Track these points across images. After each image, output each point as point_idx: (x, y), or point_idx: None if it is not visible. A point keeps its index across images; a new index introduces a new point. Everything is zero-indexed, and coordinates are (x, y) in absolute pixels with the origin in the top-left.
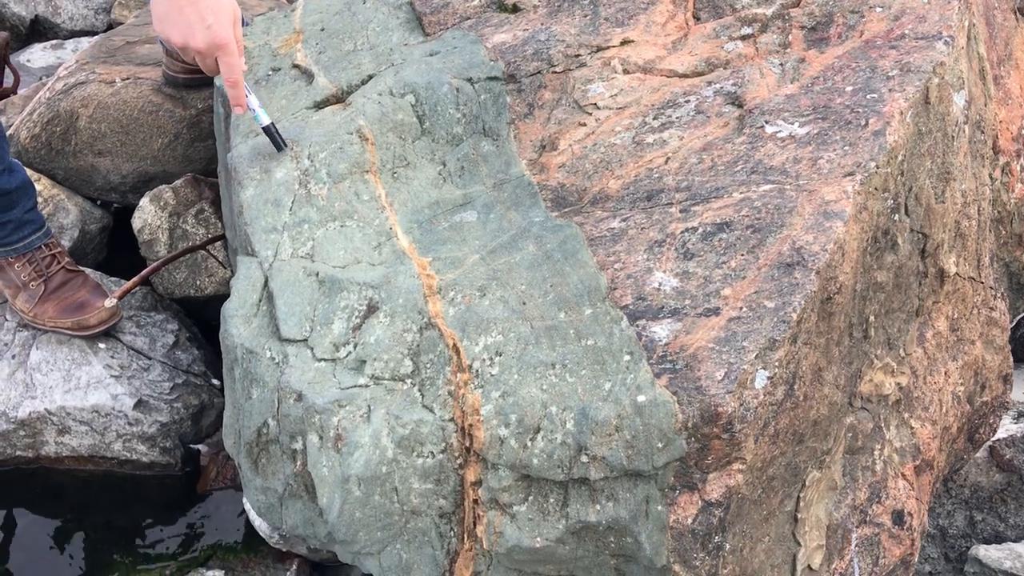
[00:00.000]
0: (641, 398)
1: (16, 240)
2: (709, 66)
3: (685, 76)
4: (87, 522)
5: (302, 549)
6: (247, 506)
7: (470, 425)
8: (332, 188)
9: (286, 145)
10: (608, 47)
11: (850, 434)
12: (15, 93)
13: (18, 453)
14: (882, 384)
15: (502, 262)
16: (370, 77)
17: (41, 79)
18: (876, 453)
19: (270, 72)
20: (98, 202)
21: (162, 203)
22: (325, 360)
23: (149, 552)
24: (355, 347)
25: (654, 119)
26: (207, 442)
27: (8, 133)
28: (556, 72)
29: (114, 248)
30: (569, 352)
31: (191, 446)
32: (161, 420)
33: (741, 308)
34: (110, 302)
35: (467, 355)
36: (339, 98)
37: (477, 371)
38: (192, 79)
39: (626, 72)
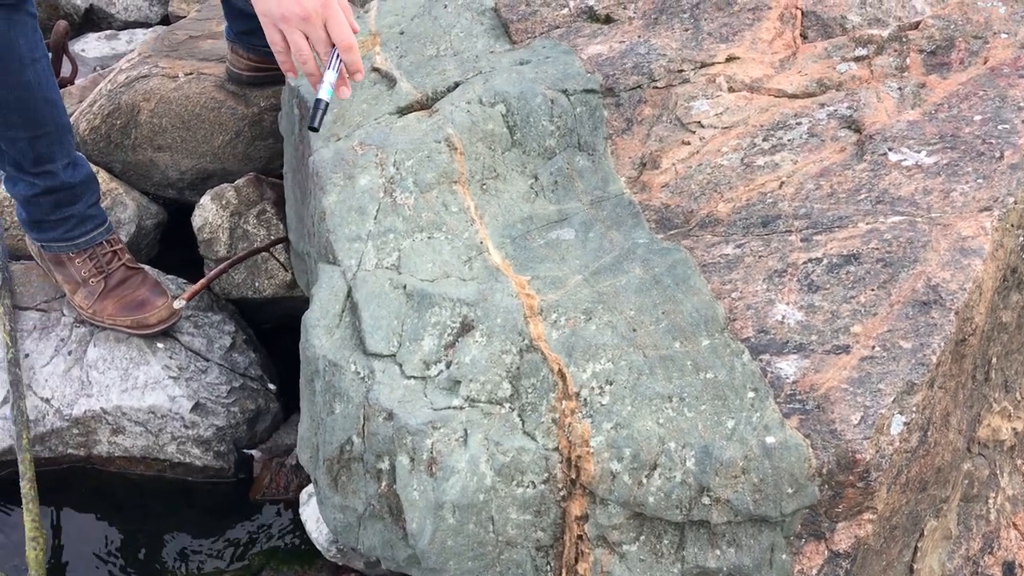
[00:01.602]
0: (770, 439)
1: (78, 235)
2: (821, 87)
3: (795, 97)
4: (136, 525)
5: (359, 564)
6: (303, 516)
7: (578, 456)
8: (419, 198)
9: (317, 129)
10: (713, 63)
11: (966, 481)
12: (72, 83)
13: (69, 451)
14: (999, 429)
15: (607, 284)
16: (456, 84)
17: (95, 69)
18: (990, 501)
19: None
20: (153, 197)
21: (224, 202)
22: (415, 378)
23: (200, 559)
24: (448, 366)
25: (764, 140)
26: (261, 448)
27: None
28: (657, 87)
29: (166, 245)
30: (687, 385)
31: (245, 451)
32: (217, 424)
33: (874, 347)
34: (179, 303)
35: (574, 382)
36: (424, 104)
37: (585, 399)
38: (256, 77)
39: (732, 90)
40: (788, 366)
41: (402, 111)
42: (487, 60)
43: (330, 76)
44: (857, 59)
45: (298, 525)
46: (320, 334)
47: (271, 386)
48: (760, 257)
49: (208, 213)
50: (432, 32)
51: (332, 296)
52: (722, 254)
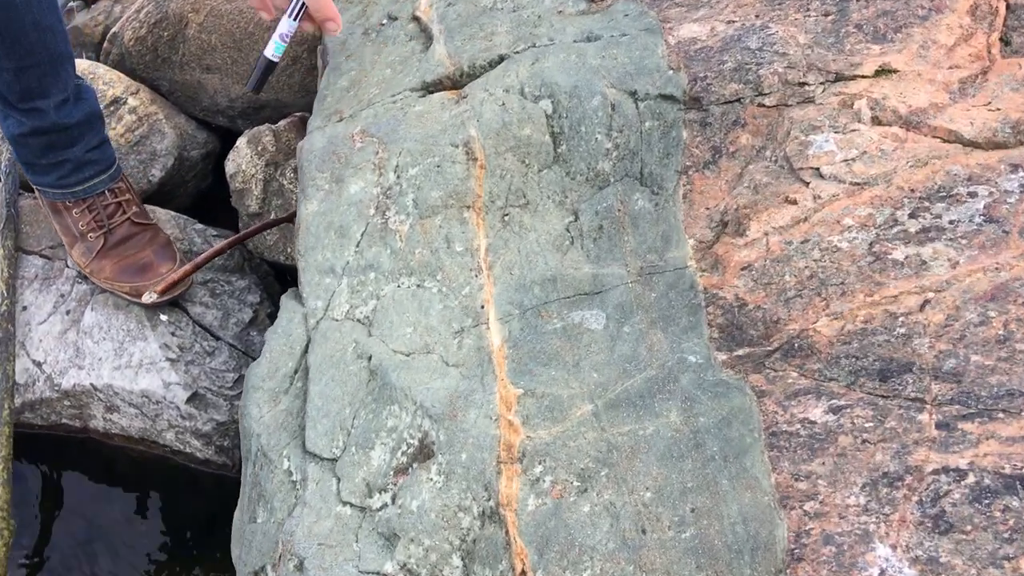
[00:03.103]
0: None
1: (74, 183)
2: (1018, 136)
3: (975, 147)
4: (136, 504)
5: None
6: None
7: None
8: (416, 225)
9: (258, 91)
10: (854, 76)
11: None
12: None
13: (64, 421)
14: None
15: (624, 432)
16: (501, 59)
17: None
18: None
19: (384, 21)
20: (203, 124)
21: (260, 148)
22: (352, 506)
23: (198, 549)
24: (392, 501)
25: (911, 217)
26: None
27: (113, 31)
28: (765, 106)
29: (221, 176)
30: None
31: None
32: (218, 419)
33: None
34: (149, 297)
35: None
36: (455, 82)
37: None
38: None
39: (877, 123)
40: None
41: (428, 87)
42: (549, 25)
43: (284, 26)
44: None
45: None
46: (261, 401)
47: None
48: (864, 439)
49: (242, 160)
50: None
51: (287, 347)
52: (807, 418)
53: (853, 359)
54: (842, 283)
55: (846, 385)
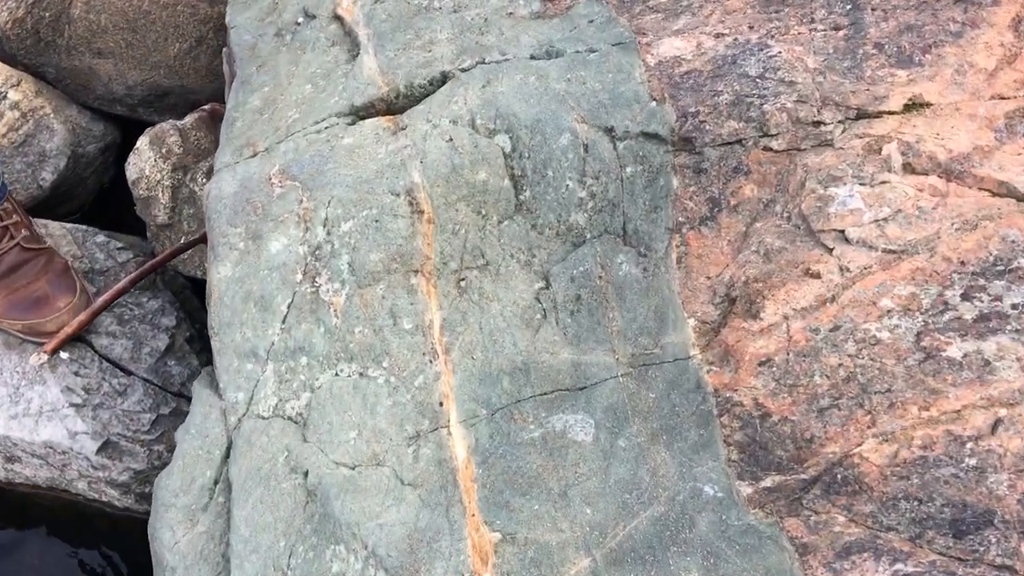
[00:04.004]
0: None
1: None
2: None
3: None
4: (49, 554)
5: None
6: None
7: None
8: (355, 296)
9: None
10: (879, 112)
11: None
12: None
13: None
14: None
15: None
16: (444, 78)
17: None
18: None
19: (300, 19)
20: (99, 114)
21: (164, 149)
22: None
23: None
24: None
25: (964, 298)
26: None
27: None
28: (772, 149)
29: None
30: None
31: None
32: (135, 467)
33: None
34: (37, 358)
35: None
36: (391, 104)
37: None
38: None
39: (911, 171)
40: None
41: (358, 112)
42: (498, 32)
43: None
44: None
45: None
46: (174, 522)
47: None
48: None
49: (144, 163)
50: None
51: (203, 452)
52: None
53: (915, 502)
54: (888, 390)
55: (910, 539)
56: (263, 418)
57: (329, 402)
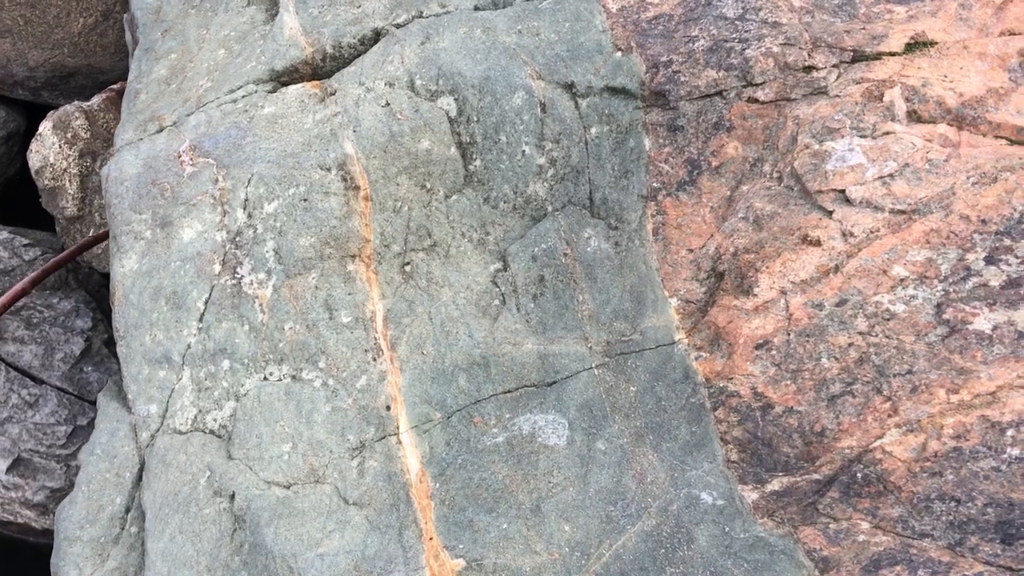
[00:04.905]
0: None
1: None
2: None
3: None
4: None
5: None
6: None
7: None
8: (283, 288)
9: None
10: (877, 53)
11: None
12: None
13: None
14: None
15: None
16: (377, 36)
17: None
18: None
19: None
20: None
21: (70, 135)
22: None
23: None
24: None
25: (988, 261)
26: None
27: None
28: (757, 100)
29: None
30: None
31: None
32: (52, 486)
33: None
34: None
35: None
36: (316, 69)
37: None
38: None
39: (917, 119)
40: None
41: (279, 78)
42: None
43: None
44: None
45: None
46: (80, 559)
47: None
48: None
49: (48, 150)
50: None
51: (111, 475)
52: None
53: (952, 502)
54: (909, 372)
55: (949, 547)
56: (180, 433)
57: (257, 411)
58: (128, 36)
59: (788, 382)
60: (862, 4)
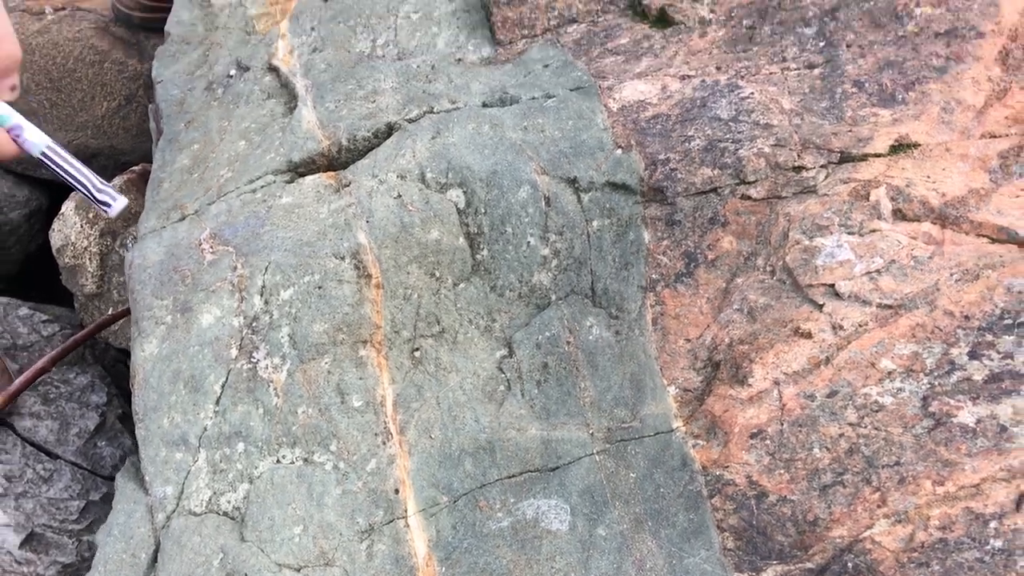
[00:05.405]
0: None
1: None
2: None
3: None
4: None
5: None
6: None
7: None
8: (297, 372)
9: (107, 207)
10: (864, 154)
11: None
12: None
13: None
14: None
15: None
16: (390, 130)
17: None
18: None
19: (233, 71)
20: (23, 178)
21: (92, 214)
22: None
23: None
24: None
25: (971, 356)
26: None
27: None
28: (750, 197)
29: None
30: None
31: None
32: (63, 560)
33: None
34: None
35: None
36: (332, 160)
37: None
38: (152, 20)
39: (902, 217)
40: None
41: (297, 169)
42: (447, 79)
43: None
44: None
45: None
46: None
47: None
48: None
49: (70, 229)
50: (370, 6)
51: (127, 556)
52: None
53: None
54: (897, 463)
55: None
56: (195, 514)
57: (270, 493)
58: (152, 125)
59: (782, 471)
60: (849, 107)
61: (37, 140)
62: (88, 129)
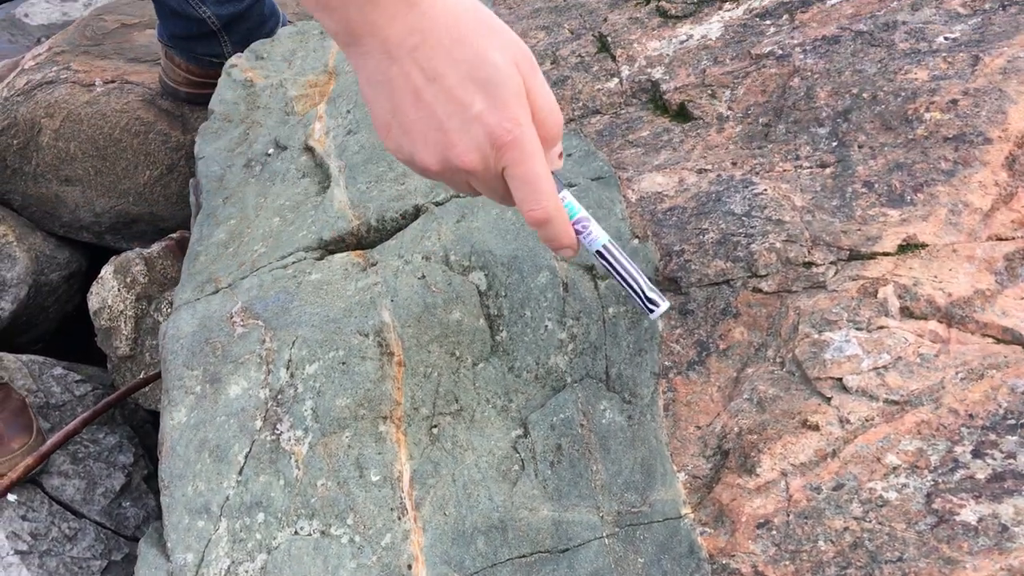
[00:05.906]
0: None
1: None
2: None
3: None
4: None
5: None
6: None
7: None
8: (318, 445)
9: (654, 306)
10: (872, 253)
11: None
12: None
13: None
14: None
15: None
16: (416, 211)
17: (39, 40)
18: None
19: (271, 150)
20: (65, 241)
21: (129, 279)
22: None
23: None
24: None
25: (975, 455)
26: None
27: None
28: (761, 291)
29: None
30: None
31: None
32: None
33: None
34: None
35: None
36: (361, 239)
37: None
38: (196, 94)
39: (909, 315)
40: None
41: (327, 247)
42: None
43: (575, 206)
44: None
45: None
46: None
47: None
48: None
49: (108, 293)
50: None
51: None
52: None
53: None
54: (900, 559)
55: None
56: None
57: (287, 564)
58: (192, 199)
59: (787, 563)
60: (858, 207)
61: (598, 235)
62: (130, 196)
